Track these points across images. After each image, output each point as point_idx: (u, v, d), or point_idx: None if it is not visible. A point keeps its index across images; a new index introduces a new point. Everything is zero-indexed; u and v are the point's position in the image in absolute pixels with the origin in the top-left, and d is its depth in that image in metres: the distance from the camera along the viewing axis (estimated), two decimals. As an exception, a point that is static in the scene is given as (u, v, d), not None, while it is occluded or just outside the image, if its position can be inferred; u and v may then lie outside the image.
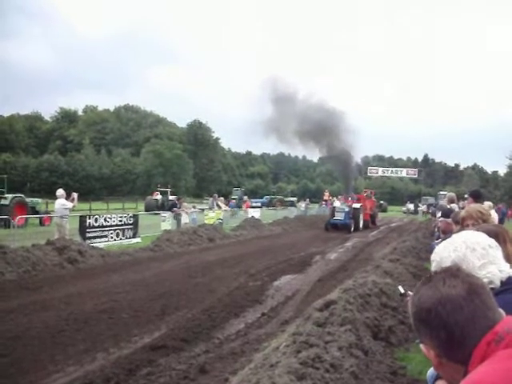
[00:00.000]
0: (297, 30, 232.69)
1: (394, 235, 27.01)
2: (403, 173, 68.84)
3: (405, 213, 60.22)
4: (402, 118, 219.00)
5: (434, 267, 2.49)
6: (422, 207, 58.08)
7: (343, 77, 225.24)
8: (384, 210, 63.70)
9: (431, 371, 2.73)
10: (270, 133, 36.63)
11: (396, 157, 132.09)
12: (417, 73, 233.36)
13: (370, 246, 21.64)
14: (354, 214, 29.93)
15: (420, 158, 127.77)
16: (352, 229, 28.79)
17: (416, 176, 68.32)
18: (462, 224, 4.74)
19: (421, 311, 1.46)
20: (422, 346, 1.50)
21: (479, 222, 4.39)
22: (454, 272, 1.50)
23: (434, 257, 2.44)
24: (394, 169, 71.81)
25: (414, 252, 14.67)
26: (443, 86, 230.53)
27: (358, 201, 32.63)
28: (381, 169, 69.79)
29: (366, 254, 18.29)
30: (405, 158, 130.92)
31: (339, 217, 29.51)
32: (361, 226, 31.03)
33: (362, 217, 31.51)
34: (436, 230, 12.10)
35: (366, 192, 39.87)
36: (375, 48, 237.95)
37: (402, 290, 3.52)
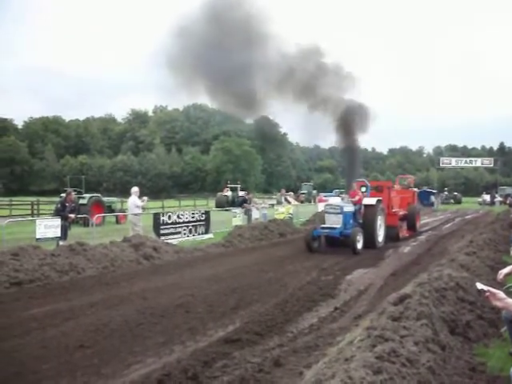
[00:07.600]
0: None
1: (470, 227, 25.85)
2: (478, 162, 66.26)
3: (480, 204, 57.70)
4: (475, 106, 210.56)
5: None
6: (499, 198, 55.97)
7: (411, 66, 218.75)
8: (458, 202, 61.89)
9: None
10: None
11: (470, 146, 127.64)
12: (486, 56, 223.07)
13: (444, 238, 21.01)
14: (365, 217, 17.49)
15: (495, 147, 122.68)
16: (360, 245, 16.24)
17: (492, 165, 65.56)
18: None
19: None
20: None
21: None
22: None
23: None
24: (467, 159, 69.26)
25: (492, 244, 14.11)
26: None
27: (379, 192, 19.73)
28: (454, 159, 67.45)
29: (440, 247, 17.76)
30: (479, 147, 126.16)
31: (332, 223, 16.77)
32: (380, 238, 17.94)
33: (382, 222, 18.22)
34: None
35: (400, 178, 27.70)
36: (438, 37, 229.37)
37: (480, 287, 3.45)
